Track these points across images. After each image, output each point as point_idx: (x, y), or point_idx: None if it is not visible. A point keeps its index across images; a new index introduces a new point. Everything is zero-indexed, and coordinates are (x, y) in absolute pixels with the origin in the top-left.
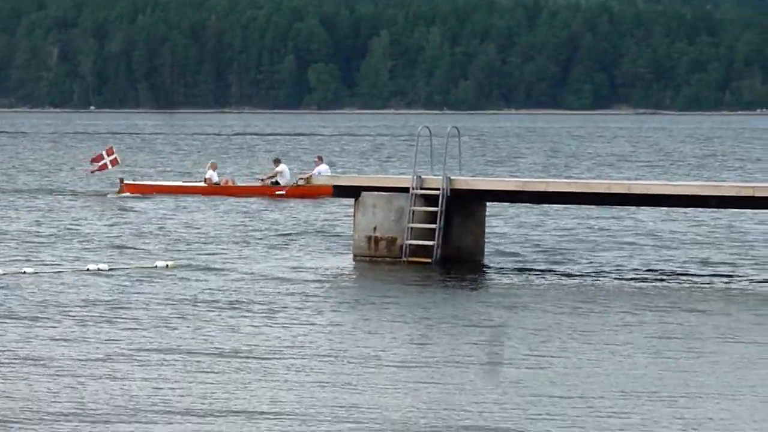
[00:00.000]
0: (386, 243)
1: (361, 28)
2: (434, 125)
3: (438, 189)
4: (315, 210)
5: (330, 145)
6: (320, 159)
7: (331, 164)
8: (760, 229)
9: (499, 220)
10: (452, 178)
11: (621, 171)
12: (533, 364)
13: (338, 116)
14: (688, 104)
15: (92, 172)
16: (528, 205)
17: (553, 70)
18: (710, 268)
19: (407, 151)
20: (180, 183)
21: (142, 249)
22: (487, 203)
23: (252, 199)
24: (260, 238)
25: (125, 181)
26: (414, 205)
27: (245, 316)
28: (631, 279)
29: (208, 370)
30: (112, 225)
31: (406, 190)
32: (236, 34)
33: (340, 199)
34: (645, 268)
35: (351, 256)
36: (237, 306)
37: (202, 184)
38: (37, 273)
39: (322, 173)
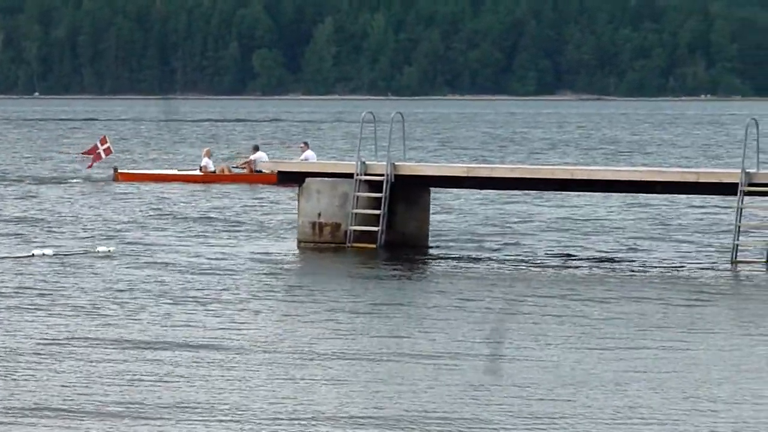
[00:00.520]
0: (330, 229)
1: (306, 14)
2: (378, 111)
3: (382, 175)
4: (261, 196)
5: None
6: (306, 145)
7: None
8: (695, 214)
9: (443, 205)
10: (396, 164)
11: (557, 156)
12: (470, 352)
13: (283, 102)
14: (632, 90)
15: (89, 167)
16: (472, 190)
17: (497, 57)
18: (644, 253)
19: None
20: (175, 171)
21: (86, 234)
22: (432, 189)
23: (199, 185)
24: (205, 225)
25: (119, 170)
26: (358, 191)
27: (183, 305)
28: (572, 265)
29: (140, 359)
30: (62, 210)
31: (350, 176)
32: (181, 20)
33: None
34: (584, 254)
35: (296, 242)
36: (176, 294)
37: (197, 172)
38: None
39: (309, 159)
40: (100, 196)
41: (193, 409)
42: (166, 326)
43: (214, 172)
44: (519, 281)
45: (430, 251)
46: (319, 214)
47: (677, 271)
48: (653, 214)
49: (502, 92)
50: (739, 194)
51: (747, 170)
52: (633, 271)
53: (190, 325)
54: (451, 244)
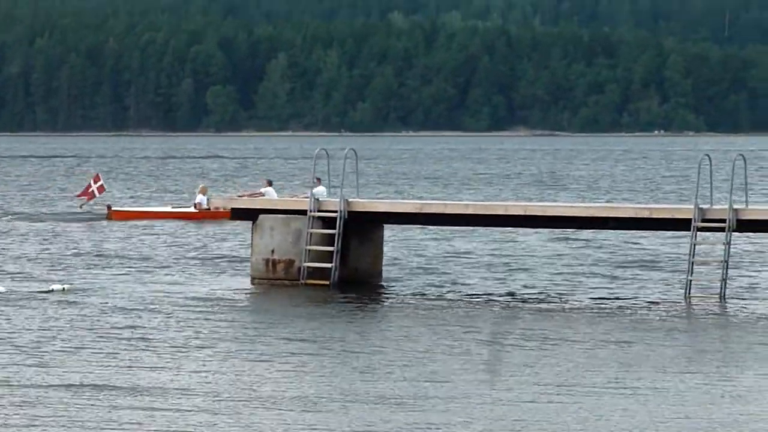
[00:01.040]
0: (284, 265)
1: (259, 51)
2: (332, 147)
3: (335, 211)
4: (217, 233)
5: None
6: (319, 180)
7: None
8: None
9: (396, 242)
10: (350, 200)
11: (508, 191)
12: (417, 394)
13: (236, 138)
14: (586, 125)
15: (80, 207)
16: (426, 227)
17: (450, 93)
18: (596, 289)
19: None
20: (169, 208)
21: (42, 272)
22: (385, 225)
23: (158, 222)
24: (162, 262)
25: (113, 208)
26: (311, 228)
27: (128, 344)
28: (523, 302)
29: (80, 402)
30: (19, 248)
31: (303, 212)
32: (134, 57)
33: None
34: (536, 291)
35: (249, 279)
36: (123, 334)
37: (191, 209)
38: None
39: (319, 194)
40: (59, 234)
41: None
42: (110, 367)
43: (209, 209)
44: (468, 318)
45: (383, 288)
46: (273, 251)
47: (630, 307)
48: (607, 251)
49: (455, 128)
50: (692, 230)
51: (700, 206)
52: (583, 308)
53: (133, 367)
54: (404, 280)
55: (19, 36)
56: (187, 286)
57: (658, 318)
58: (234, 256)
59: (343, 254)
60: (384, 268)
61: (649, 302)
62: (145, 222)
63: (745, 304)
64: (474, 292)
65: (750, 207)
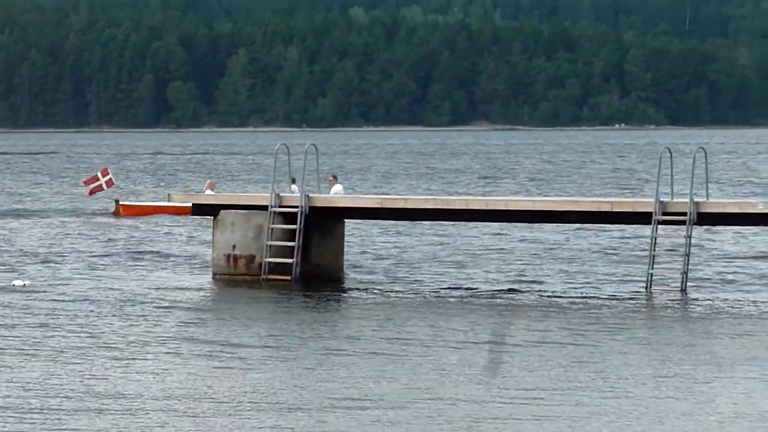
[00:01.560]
0: (245, 261)
1: (220, 47)
2: (292, 143)
3: (296, 207)
4: (178, 228)
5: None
6: (335, 178)
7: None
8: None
9: (357, 236)
10: (311, 195)
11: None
12: (378, 388)
13: (197, 134)
14: (547, 120)
15: (89, 195)
16: (387, 221)
17: (411, 87)
18: (557, 283)
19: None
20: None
21: (4, 266)
22: (346, 220)
23: (128, 219)
24: (124, 257)
25: (121, 203)
26: (272, 223)
27: (83, 342)
28: (484, 296)
29: (33, 405)
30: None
31: (264, 207)
32: (95, 53)
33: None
34: (497, 285)
35: (210, 274)
36: (78, 331)
37: None
38: None
39: (338, 194)
40: (25, 230)
41: None
42: (65, 367)
43: None
44: (429, 313)
45: (344, 283)
46: (234, 246)
47: (591, 300)
48: (567, 245)
49: (416, 123)
50: (653, 223)
51: (661, 199)
52: (542, 302)
53: (84, 366)
54: (365, 275)
55: None
56: (146, 282)
57: (618, 311)
58: (196, 253)
59: (305, 250)
60: (345, 263)
61: (609, 296)
62: (127, 218)
63: (706, 297)
64: (435, 287)
65: (710, 200)
